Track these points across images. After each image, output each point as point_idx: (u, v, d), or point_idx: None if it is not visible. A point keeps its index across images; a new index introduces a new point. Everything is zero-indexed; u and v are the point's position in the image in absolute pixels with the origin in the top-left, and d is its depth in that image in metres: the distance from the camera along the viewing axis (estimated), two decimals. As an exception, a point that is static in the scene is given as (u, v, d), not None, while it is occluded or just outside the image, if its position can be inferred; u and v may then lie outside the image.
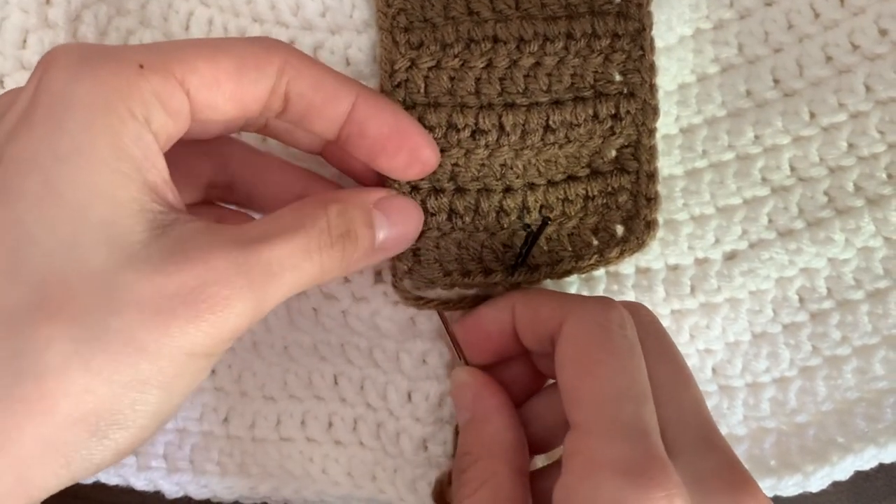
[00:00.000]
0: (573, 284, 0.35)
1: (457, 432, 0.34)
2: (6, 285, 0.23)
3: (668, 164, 0.35)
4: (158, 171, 0.25)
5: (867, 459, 0.34)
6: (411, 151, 0.31)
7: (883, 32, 0.33)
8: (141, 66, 0.25)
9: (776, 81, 0.34)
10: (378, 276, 0.35)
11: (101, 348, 0.23)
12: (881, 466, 0.35)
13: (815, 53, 0.34)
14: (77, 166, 0.23)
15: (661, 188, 0.34)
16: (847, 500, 0.38)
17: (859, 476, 0.35)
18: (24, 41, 0.35)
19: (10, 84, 0.35)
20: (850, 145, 0.33)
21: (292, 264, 0.26)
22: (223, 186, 0.33)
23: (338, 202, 0.28)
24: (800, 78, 0.34)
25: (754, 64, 0.35)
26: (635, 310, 0.31)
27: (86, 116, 0.24)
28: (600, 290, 0.35)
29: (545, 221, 0.32)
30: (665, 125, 0.34)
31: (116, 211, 0.24)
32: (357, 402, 0.36)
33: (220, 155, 0.32)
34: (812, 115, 0.34)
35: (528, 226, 0.33)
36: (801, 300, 0.35)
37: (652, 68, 0.33)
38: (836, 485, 0.35)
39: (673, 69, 0.34)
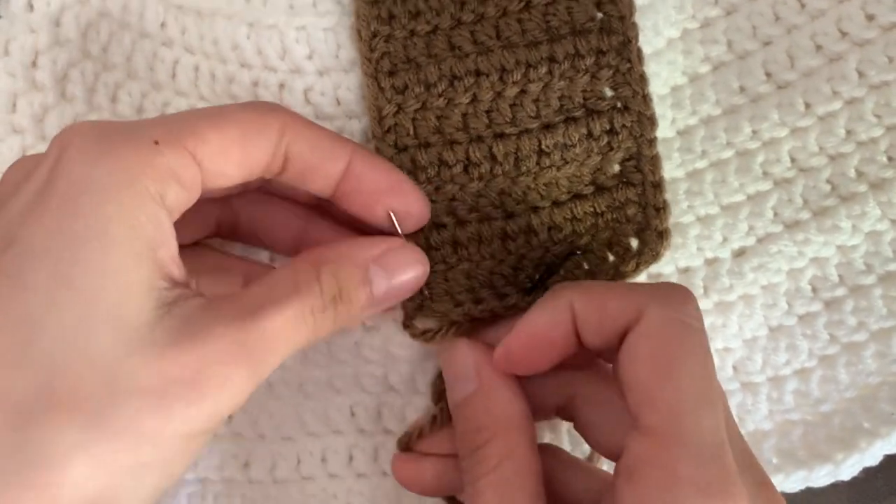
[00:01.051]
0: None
1: (438, 400, 0.33)
2: (14, 376, 0.23)
3: (668, 168, 0.34)
4: (169, 248, 0.25)
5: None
6: (405, 205, 0.31)
7: (870, 17, 0.33)
8: (156, 143, 0.25)
9: (768, 75, 0.34)
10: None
11: (106, 437, 0.23)
12: (881, 466, 0.35)
13: (805, 44, 0.34)
14: (90, 252, 0.23)
15: (666, 195, 0.33)
16: (847, 500, 0.38)
17: (859, 476, 0.35)
18: (14, 105, 0.35)
19: (4, 150, 0.35)
20: (848, 132, 0.33)
21: (287, 334, 0.26)
22: (229, 224, 0.33)
23: (330, 263, 0.28)
24: (791, 69, 0.34)
25: (745, 59, 0.35)
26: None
27: (101, 200, 0.24)
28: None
29: (570, 255, 0.32)
30: (662, 129, 0.34)
31: (126, 293, 0.24)
32: (376, 431, 0.35)
33: (226, 199, 0.32)
34: (807, 106, 0.34)
35: (553, 247, 0.33)
36: (813, 290, 0.34)
37: (642, 79, 0.33)
38: (835, 485, 0.35)
39: (664, 73, 0.34)
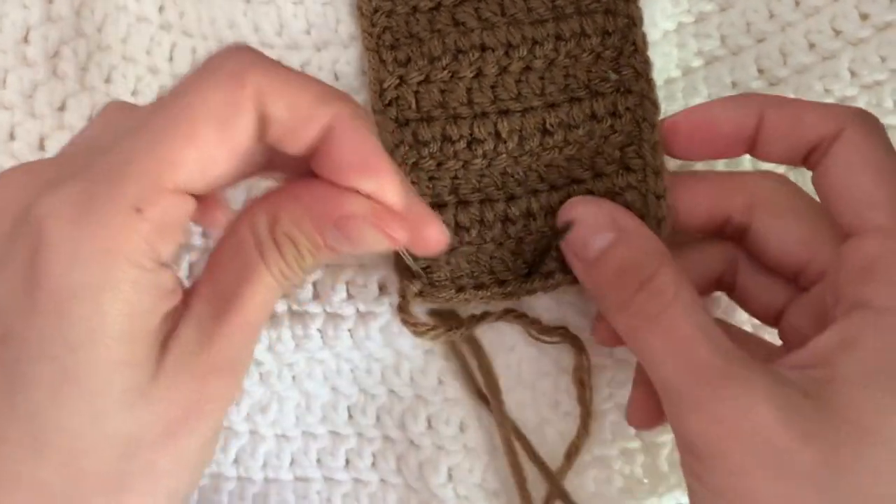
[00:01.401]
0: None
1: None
2: (40, 464, 0.24)
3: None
4: (169, 303, 0.25)
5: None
6: (377, 189, 0.26)
7: (864, 17, 0.33)
8: (138, 210, 0.23)
9: (761, 71, 0.34)
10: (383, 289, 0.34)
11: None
12: None
13: (799, 41, 0.34)
14: (91, 350, 0.23)
15: None
16: None
17: None
18: (4, 81, 0.35)
19: None
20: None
21: (259, 318, 0.26)
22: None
23: (290, 220, 0.26)
24: (784, 66, 0.34)
25: (738, 55, 0.35)
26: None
27: (94, 297, 0.23)
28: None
29: (557, 232, 0.31)
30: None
31: (132, 370, 0.24)
32: (375, 436, 0.35)
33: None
34: (799, 103, 0.34)
35: (548, 232, 0.32)
36: None
37: (646, 62, 0.32)
38: None
39: (658, 64, 0.34)
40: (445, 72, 0.32)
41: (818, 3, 0.34)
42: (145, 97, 0.35)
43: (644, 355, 0.28)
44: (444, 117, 0.32)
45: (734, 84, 0.34)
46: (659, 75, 0.34)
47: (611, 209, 0.30)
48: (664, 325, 0.27)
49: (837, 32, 0.33)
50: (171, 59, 0.35)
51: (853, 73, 0.33)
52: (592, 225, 0.30)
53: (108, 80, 0.35)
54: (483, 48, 0.32)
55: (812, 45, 0.34)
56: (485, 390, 0.34)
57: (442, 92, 0.32)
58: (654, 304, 0.27)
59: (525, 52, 0.32)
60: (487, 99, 0.32)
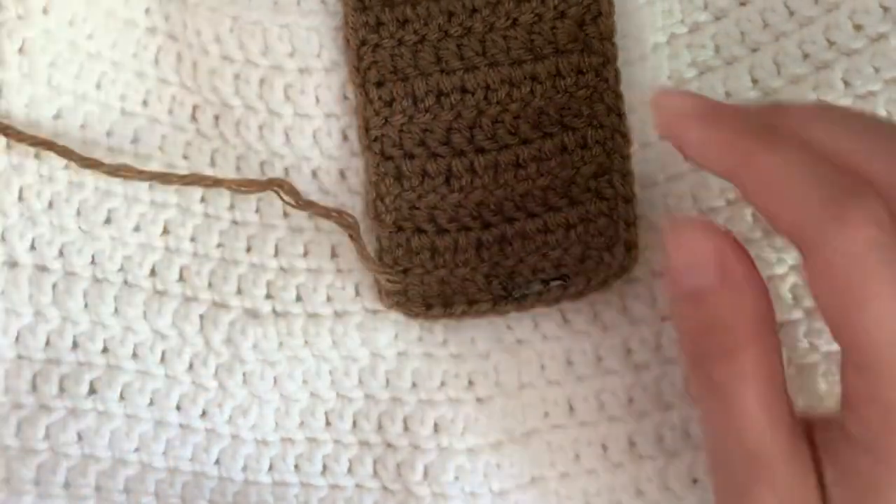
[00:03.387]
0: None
1: None
2: None
3: (650, 172, 0.35)
4: None
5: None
6: None
7: (858, 28, 0.33)
8: None
9: (754, 81, 0.34)
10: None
11: None
12: None
13: (793, 51, 0.34)
14: None
15: (645, 193, 0.34)
16: None
17: None
18: None
19: None
20: (833, 141, 0.33)
21: None
22: None
23: None
24: (778, 76, 0.34)
25: (732, 65, 0.35)
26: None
27: None
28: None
29: (564, 279, 0.34)
30: (647, 134, 0.34)
31: None
32: (352, 442, 0.36)
33: None
34: (791, 114, 0.34)
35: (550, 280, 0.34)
36: (794, 297, 0.34)
37: (618, 98, 0.34)
38: None
39: (647, 78, 0.35)
40: (428, 114, 0.34)
41: (812, 13, 0.33)
42: (133, 103, 0.36)
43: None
44: (425, 155, 0.35)
45: (728, 94, 0.34)
46: (650, 89, 0.35)
47: (719, 245, 0.27)
48: (729, 405, 0.26)
49: (831, 43, 0.33)
50: (156, 62, 0.36)
51: (847, 84, 0.33)
52: (691, 258, 0.27)
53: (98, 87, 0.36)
54: (463, 90, 0.34)
55: (806, 56, 0.34)
56: None
57: (423, 132, 0.35)
58: (724, 379, 0.26)
59: (503, 96, 0.34)
60: (465, 139, 0.34)
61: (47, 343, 0.35)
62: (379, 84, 0.34)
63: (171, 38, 0.36)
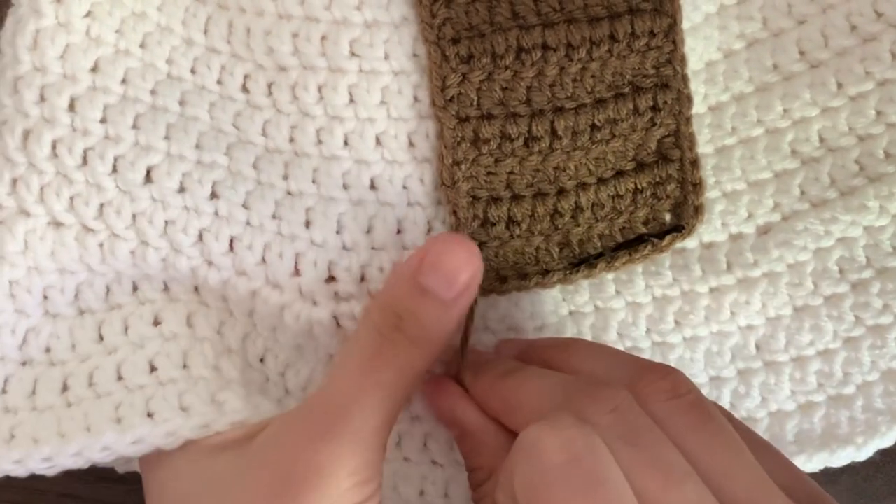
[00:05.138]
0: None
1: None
2: None
3: (698, 144, 0.34)
4: None
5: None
6: None
7: (906, -1, 0.33)
8: None
9: (802, 53, 0.34)
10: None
11: None
12: (881, 466, 0.35)
13: (840, 23, 0.34)
14: None
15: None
16: (847, 500, 0.38)
17: (859, 476, 0.35)
18: None
19: None
20: (879, 113, 0.33)
21: (352, 392, 0.28)
22: None
23: (378, 296, 0.30)
24: (825, 48, 0.34)
25: (779, 37, 0.35)
26: (647, 384, 0.28)
27: None
28: (638, 273, 0.35)
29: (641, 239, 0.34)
30: (695, 105, 0.34)
31: None
32: (402, 418, 0.35)
33: None
34: (839, 86, 0.34)
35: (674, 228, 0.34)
36: (841, 271, 0.34)
37: (683, 60, 0.33)
38: (836, 484, 0.35)
39: (699, 48, 0.34)
40: (508, 71, 0.32)
41: (859, -15, 0.34)
42: (181, 67, 0.33)
43: None
44: (504, 115, 0.33)
45: (775, 66, 0.34)
46: (700, 58, 0.35)
47: (457, 404, 0.31)
48: None
49: (879, 15, 0.33)
50: (205, 31, 0.34)
51: (894, 56, 0.33)
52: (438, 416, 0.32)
53: (142, 46, 0.33)
54: (545, 48, 0.32)
55: (854, 28, 0.34)
56: None
57: (503, 90, 0.33)
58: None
59: (584, 54, 0.32)
60: (545, 98, 0.33)
61: None
62: (454, 41, 0.32)
63: (222, 7, 0.34)
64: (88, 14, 0.32)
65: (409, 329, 0.28)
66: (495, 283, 0.33)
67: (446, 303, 0.28)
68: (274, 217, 0.33)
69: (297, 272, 0.33)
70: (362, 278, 0.33)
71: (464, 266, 0.28)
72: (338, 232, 0.33)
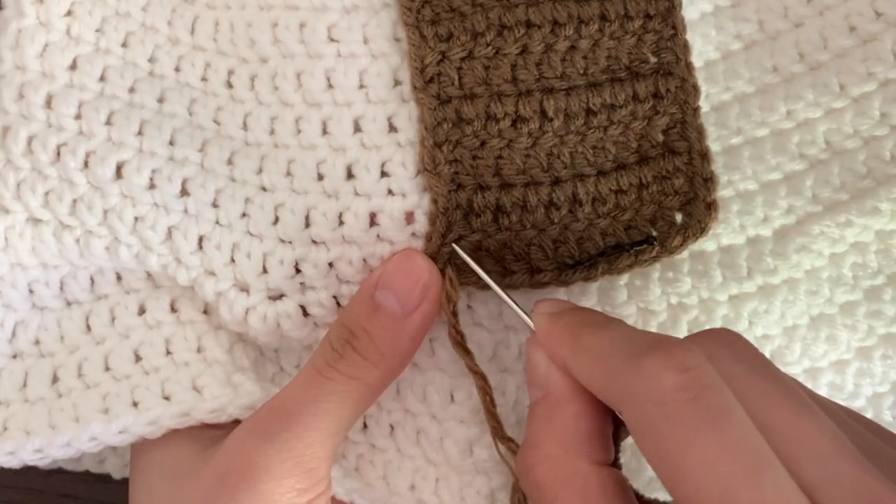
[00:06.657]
0: (624, 276, 0.33)
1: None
2: None
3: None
4: None
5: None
6: None
7: (905, -3, 0.33)
8: None
9: (801, 55, 0.33)
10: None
11: None
12: None
13: (838, 24, 0.33)
14: None
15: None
16: None
17: None
18: None
19: None
20: (883, 114, 0.33)
21: (300, 398, 0.29)
22: None
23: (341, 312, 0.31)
24: (824, 50, 0.33)
25: (776, 39, 0.34)
26: (714, 338, 0.26)
27: None
28: (654, 279, 0.33)
29: (647, 240, 0.31)
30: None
31: None
32: (394, 408, 0.33)
33: None
34: (842, 87, 0.33)
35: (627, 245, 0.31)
36: (854, 277, 0.33)
37: (685, 47, 0.32)
38: None
39: (698, 44, 0.33)
40: (489, 48, 0.31)
41: (856, -15, 0.33)
42: (163, 65, 0.33)
43: None
44: (488, 94, 0.31)
45: (775, 68, 0.33)
46: (700, 56, 0.34)
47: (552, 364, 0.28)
48: None
49: (879, 14, 0.33)
50: (192, 31, 0.33)
51: (896, 55, 0.33)
52: (531, 375, 0.28)
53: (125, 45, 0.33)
54: (528, 24, 0.31)
55: (852, 28, 0.33)
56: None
57: (486, 69, 0.31)
58: (539, 495, 0.26)
59: (571, 31, 0.31)
60: (532, 76, 0.31)
61: None
62: (433, 22, 0.31)
63: (209, 7, 0.33)
64: (69, 13, 0.32)
65: (360, 343, 0.30)
66: (473, 280, 0.31)
67: (398, 319, 0.30)
68: (243, 216, 0.32)
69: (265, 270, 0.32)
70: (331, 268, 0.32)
71: (415, 283, 0.30)
72: (306, 227, 0.32)
